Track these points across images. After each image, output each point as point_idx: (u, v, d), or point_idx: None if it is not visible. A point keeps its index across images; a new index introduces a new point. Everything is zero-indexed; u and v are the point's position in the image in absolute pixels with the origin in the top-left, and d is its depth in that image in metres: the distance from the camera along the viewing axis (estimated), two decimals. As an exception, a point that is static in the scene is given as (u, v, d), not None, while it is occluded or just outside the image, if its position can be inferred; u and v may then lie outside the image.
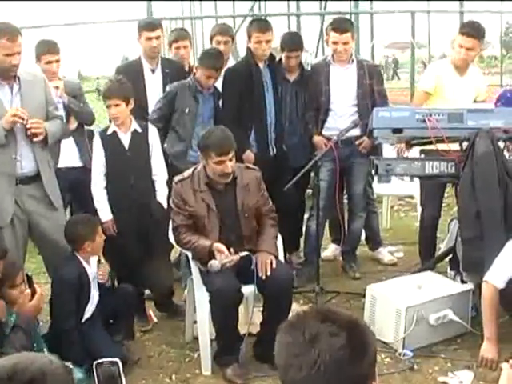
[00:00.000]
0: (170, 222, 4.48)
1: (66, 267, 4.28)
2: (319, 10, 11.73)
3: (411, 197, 7.53)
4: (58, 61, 5.30)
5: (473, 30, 5.08)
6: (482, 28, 5.15)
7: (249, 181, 4.38)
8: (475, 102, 5.35)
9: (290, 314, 4.34)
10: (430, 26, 13.76)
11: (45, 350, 3.95)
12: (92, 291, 4.34)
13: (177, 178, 4.38)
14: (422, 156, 4.99)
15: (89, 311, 4.34)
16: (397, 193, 7.34)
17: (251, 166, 4.52)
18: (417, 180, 5.93)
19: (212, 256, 4.13)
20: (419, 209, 5.91)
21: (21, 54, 4.21)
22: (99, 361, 2.34)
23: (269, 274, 4.16)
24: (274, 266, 4.19)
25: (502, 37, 19.66)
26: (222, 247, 4.14)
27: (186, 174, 4.38)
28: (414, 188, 6.50)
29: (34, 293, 3.51)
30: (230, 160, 4.22)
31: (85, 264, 4.32)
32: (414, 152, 5.49)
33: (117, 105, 4.67)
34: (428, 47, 14.51)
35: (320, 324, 1.60)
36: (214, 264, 4.07)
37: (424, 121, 4.47)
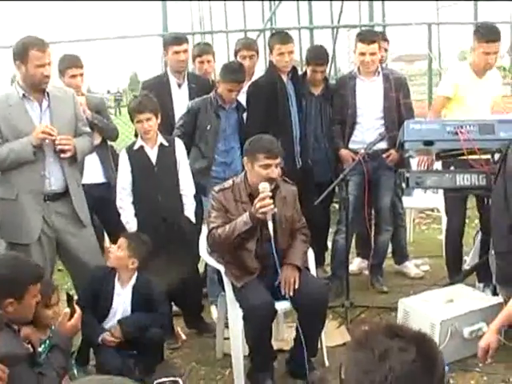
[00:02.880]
0: (203, 228, 4.45)
1: (95, 271, 4.35)
2: (331, 23, 11.71)
3: (432, 209, 7.48)
4: (81, 75, 5.31)
5: (493, 35, 5.08)
6: (498, 28, 5.18)
7: (286, 193, 4.36)
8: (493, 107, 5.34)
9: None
10: (441, 38, 13.70)
11: (74, 370, 3.92)
12: (114, 308, 4.30)
13: (217, 188, 4.32)
14: (452, 168, 4.95)
15: (106, 325, 4.29)
16: (419, 206, 7.25)
17: (287, 179, 4.49)
18: (440, 192, 5.90)
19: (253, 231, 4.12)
20: (445, 221, 5.87)
21: (51, 65, 4.20)
22: (160, 380, 2.30)
23: (291, 294, 4.13)
24: (296, 284, 4.15)
25: (512, 47, 19.63)
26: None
27: (227, 184, 4.33)
28: (436, 201, 6.47)
29: (73, 312, 3.46)
30: (276, 166, 4.20)
31: (116, 281, 4.32)
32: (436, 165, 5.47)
33: (148, 119, 4.67)
34: (439, 59, 14.46)
35: (389, 340, 1.60)
36: (266, 188, 4.03)
37: (456, 133, 4.44)
